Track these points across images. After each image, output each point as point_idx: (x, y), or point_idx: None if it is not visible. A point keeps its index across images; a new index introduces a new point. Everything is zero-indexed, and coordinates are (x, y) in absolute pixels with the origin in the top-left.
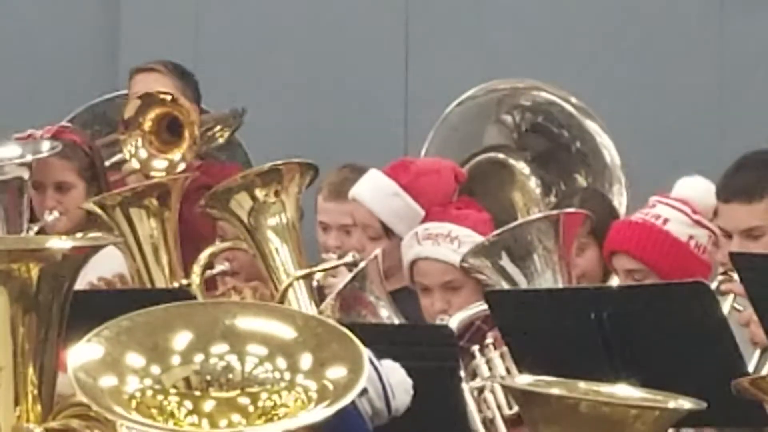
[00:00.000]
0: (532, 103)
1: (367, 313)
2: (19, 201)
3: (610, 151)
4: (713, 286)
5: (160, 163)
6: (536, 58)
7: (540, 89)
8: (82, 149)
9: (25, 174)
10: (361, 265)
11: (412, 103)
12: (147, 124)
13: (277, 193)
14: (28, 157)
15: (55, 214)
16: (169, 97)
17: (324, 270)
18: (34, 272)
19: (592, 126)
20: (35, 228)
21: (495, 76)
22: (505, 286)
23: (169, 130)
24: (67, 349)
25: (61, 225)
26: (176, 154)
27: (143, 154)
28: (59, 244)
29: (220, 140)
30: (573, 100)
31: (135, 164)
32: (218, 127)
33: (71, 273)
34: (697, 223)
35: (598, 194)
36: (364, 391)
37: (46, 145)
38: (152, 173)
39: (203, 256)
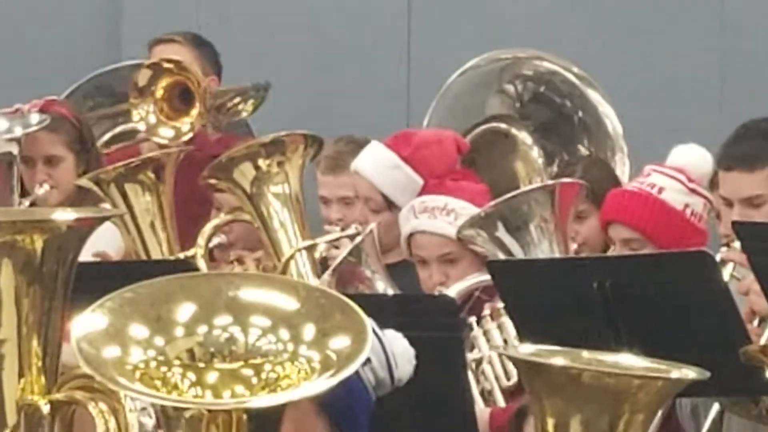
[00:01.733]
0: (534, 72)
1: (364, 288)
2: (9, 176)
3: (612, 121)
4: (718, 257)
5: (166, 131)
6: (538, 28)
7: (542, 59)
8: (69, 122)
9: (15, 149)
10: (357, 240)
11: (415, 74)
12: (159, 92)
13: (280, 164)
14: (18, 132)
15: (46, 187)
16: (172, 66)
17: (327, 241)
18: (39, 244)
19: (594, 95)
20: (27, 202)
21: (497, 46)
22: (502, 257)
23: (182, 99)
24: (70, 321)
25: (52, 198)
26: (185, 123)
27: (152, 120)
28: (64, 215)
29: (244, 114)
30: (575, 69)
31: (141, 127)
32: (237, 99)
33: (76, 244)
34: (693, 191)
35: (600, 163)
36: (368, 361)
37: (34, 119)
38: (156, 140)
39: (208, 228)
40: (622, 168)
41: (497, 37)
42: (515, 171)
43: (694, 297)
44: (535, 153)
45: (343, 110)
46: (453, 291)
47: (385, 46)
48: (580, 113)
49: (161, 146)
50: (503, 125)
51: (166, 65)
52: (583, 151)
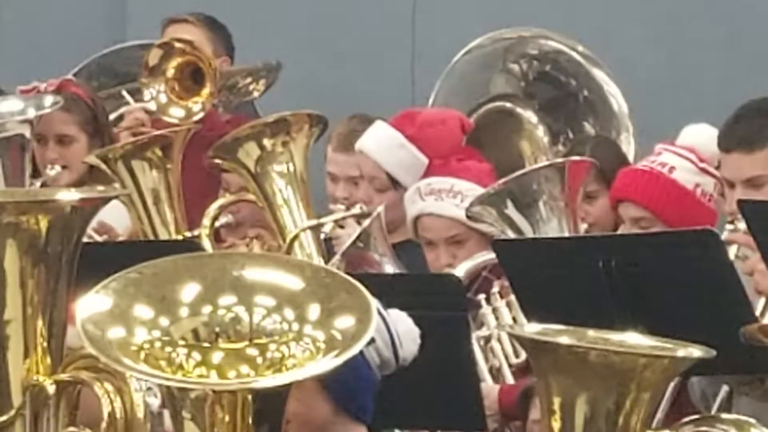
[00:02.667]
0: (539, 51)
1: (373, 272)
2: (21, 158)
3: (617, 99)
4: (723, 236)
5: (177, 111)
6: (543, 6)
7: (547, 38)
8: (84, 102)
9: (27, 131)
10: (365, 224)
11: (419, 53)
12: (170, 72)
13: (285, 144)
14: (31, 114)
15: (57, 168)
16: (185, 46)
17: (331, 221)
18: (43, 224)
19: (599, 74)
20: (38, 183)
21: (502, 25)
22: (511, 234)
23: (193, 79)
24: (75, 302)
25: (63, 179)
26: (196, 103)
27: (163, 99)
28: (68, 196)
29: (255, 94)
30: (580, 48)
31: (152, 107)
32: (248, 79)
33: (80, 225)
34: (703, 170)
35: (608, 142)
36: (372, 341)
37: (48, 101)
38: (167, 119)
39: (213, 208)
40: (627, 147)
41: (502, 16)
42: (520, 150)
43: (699, 275)
44: (541, 132)
45: (348, 91)
46: (461, 270)
47: (390, 25)
48: (585, 92)
49: (170, 125)
50: (508, 104)
51: (178, 45)
52: (588, 129)
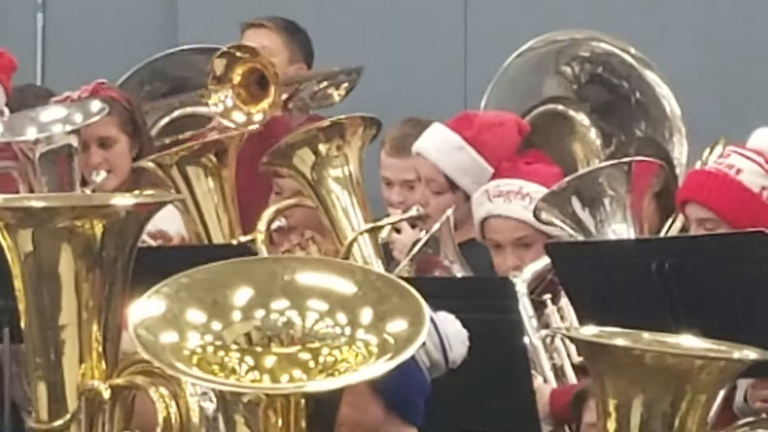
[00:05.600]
0: (592, 54)
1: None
2: (70, 168)
3: (669, 102)
4: None
5: (238, 116)
6: (595, 9)
7: (599, 40)
8: (120, 104)
9: (74, 141)
10: (434, 228)
11: (472, 56)
12: (236, 78)
13: (339, 148)
14: (78, 121)
15: (103, 173)
16: (246, 54)
17: (388, 224)
18: (98, 229)
19: (651, 76)
20: (87, 191)
21: (554, 28)
22: (575, 233)
23: (260, 84)
24: (129, 306)
25: (109, 183)
26: (258, 112)
27: (230, 103)
28: (123, 200)
29: (336, 98)
30: (632, 50)
31: (217, 109)
32: (324, 83)
33: (135, 230)
34: None
35: (653, 142)
36: (422, 343)
37: (95, 106)
38: (227, 124)
39: (268, 213)
40: (680, 149)
41: (554, 18)
42: (573, 152)
43: (753, 277)
44: (593, 134)
45: (399, 93)
46: (528, 273)
47: (442, 27)
48: (638, 94)
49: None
50: (561, 107)
51: (239, 53)
52: (640, 132)
